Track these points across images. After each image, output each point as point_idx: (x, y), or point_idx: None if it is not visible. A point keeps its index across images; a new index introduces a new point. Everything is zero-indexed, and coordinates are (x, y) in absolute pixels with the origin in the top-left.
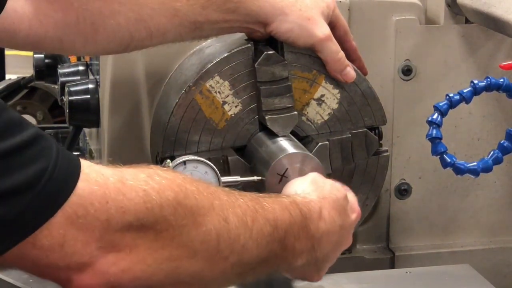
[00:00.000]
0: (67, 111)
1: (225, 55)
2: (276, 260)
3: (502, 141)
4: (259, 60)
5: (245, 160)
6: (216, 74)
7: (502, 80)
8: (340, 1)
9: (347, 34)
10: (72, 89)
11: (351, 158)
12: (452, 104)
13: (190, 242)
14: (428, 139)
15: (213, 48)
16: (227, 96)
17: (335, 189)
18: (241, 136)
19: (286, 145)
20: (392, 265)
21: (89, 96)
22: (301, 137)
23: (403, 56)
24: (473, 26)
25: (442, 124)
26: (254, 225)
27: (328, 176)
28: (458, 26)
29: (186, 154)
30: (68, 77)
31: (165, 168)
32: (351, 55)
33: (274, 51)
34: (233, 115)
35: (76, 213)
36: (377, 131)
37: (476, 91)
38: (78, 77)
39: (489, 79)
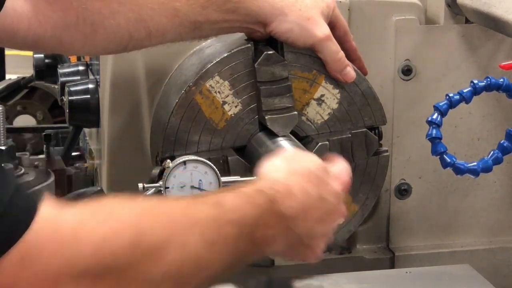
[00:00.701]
0: (67, 111)
1: (225, 55)
2: (247, 255)
3: (502, 141)
4: (259, 60)
5: (245, 160)
6: (216, 74)
7: (502, 80)
8: (340, 1)
9: (347, 34)
10: (72, 89)
11: (351, 158)
12: (452, 104)
13: (153, 278)
14: (428, 139)
15: (213, 48)
16: (227, 96)
17: (309, 161)
18: (241, 136)
19: (286, 144)
20: (392, 265)
21: (89, 96)
22: (301, 137)
23: (403, 56)
24: (473, 26)
25: (442, 124)
26: (217, 236)
27: None
28: (458, 26)
29: (186, 154)
30: (68, 77)
31: (124, 201)
32: (351, 55)
33: (274, 51)
34: (233, 115)
35: (30, 254)
36: (377, 131)
37: (476, 91)
38: (78, 77)
39: (489, 79)
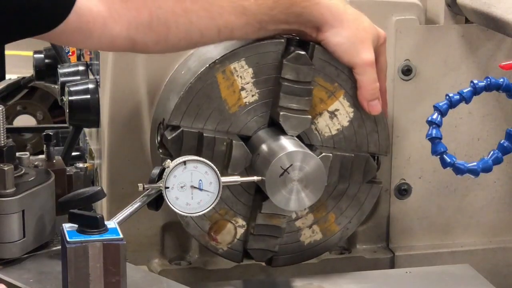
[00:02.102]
0: (67, 111)
1: (257, 43)
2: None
3: (502, 141)
4: (289, 56)
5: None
6: (243, 58)
7: (502, 80)
8: None
9: (383, 73)
10: (72, 89)
11: (347, 178)
12: (452, 104)
13: None
14: (428, 139)
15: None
16: (248, 83)
17: None
18: (248, 126)
19: (288, 144)
20: (392, 265)
21: (89, 96)
22: (305, 145)
23: (403, 56)
24: (473, 26)
25: (442, 124)
26: None
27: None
28: (458, 26)
29: (192, 127)
30: (68, 77)
31: None
32: (380, 95)
33: (305, 53)
34: (247, 103)
35: None
36: (377, 160)
37: (476, 91)
38: (78, 77)
39: (489, 79)
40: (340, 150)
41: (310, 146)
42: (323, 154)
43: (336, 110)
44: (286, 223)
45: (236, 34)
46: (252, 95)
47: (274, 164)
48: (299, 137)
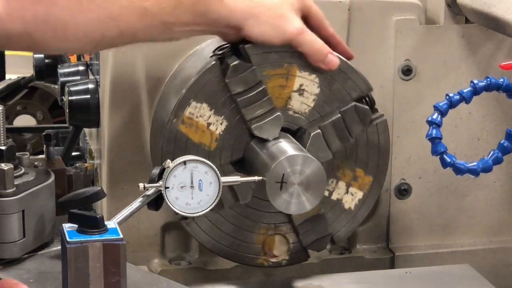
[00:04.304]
0: (67, 111)
1: (195, 79)
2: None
3: (502, 141)
4: (228, 73)
5: (246, 170)
6: (192, 100)
7: (502, 80)
8: (340, 1)
9: (322, 22)
10: (72, 89)
11: (348, 136)
12: (452, 104)
13: None
14: (428, 139)
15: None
16: (209, 117)
17: None
18: (236, 149)
19: (277, 150)
20: (392, 265)
21: (89, 96)
22: (295, 131)
23: (403, 56)
24: (473, 26)
25: (442, 124)
26: None
27: (333, 158)
28: (458, 26)
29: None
30: (68, 77)
31: None
32: (330, 41)
33: (239, 60)
34: (221, 133)
35: None
36: (367, 99)
37: (476, 91)
38: (78, 77)
39: (489, 79)
40: (327, 116)
41: (299, 130)
42: (312, 134)
43: (301, 85)
44: (323, 204)
45: (140, 36)
46: (221, 123)
47: (274, 169)
48: (285, 129)
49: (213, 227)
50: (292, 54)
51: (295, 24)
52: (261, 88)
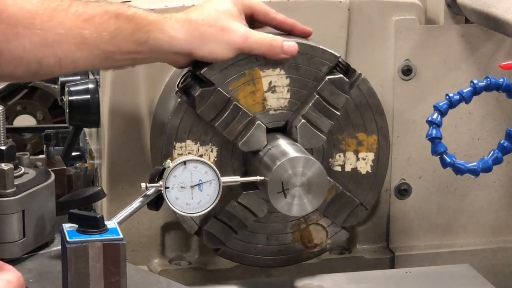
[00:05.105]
0: (67, 111)
1: (168, 119)
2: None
3: (502, 141)
4: (196, 104)
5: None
6: (174, 142)
7: (502, 80)
8: (340, 1)
9: (268, 14)
10: (72, 89)
11: (334, 111)
12: (452, 104)
13: None
14: (428, 139)
15: None
16: (198, 150)
17: None
18: (235, 169)
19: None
20: (392, 265)
21: (89, 96)
22: (284, 127)
23: (403, 56)
24: (473, 26)
25: (442, 124)
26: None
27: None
28: (458, 26)
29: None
30: (68, 77)
31: None
32: (284, 27)
33: (201, 88)
34: (216, 159)
35: None
36: (340, 66)
37: (476, 91)
38: (78, 77)
39: (489, 79)
40: (308, 100)
41: (287, 124)
42: (297, 126)
43: (270, 83)
44: (341, 180)
45: (81, 64)
46: (211, 151)
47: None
48: (276, 129)
49: (246, 245)
50: (249, 59)
51: (239, 32)
52: (232, 106)
